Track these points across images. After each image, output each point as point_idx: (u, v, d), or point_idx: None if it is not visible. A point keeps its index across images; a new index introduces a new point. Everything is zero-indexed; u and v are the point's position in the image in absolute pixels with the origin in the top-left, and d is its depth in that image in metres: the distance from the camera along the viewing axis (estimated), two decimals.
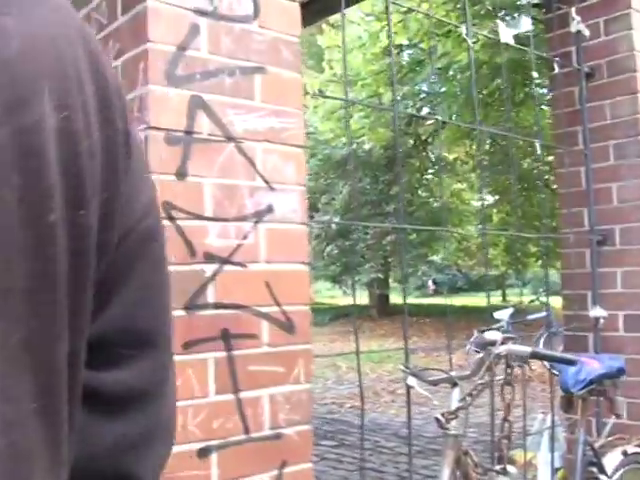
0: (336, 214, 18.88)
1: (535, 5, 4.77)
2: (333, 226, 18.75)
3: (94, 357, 0.55)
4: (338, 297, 32.42)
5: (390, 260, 21.27)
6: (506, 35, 3.44)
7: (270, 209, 2.11)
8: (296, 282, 2.16)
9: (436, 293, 30.62)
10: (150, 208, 0.62)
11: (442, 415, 2.52)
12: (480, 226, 20.08)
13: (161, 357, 0.63)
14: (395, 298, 24.99)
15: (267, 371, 2.08)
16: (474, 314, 18.48)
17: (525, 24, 3.61)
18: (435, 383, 2.77)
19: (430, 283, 30.22)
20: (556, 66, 3.62)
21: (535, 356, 2.58)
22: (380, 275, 21.17)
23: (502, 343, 2.47)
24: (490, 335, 2.57)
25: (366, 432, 7.81)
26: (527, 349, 2.53)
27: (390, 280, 25.06)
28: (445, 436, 2.54)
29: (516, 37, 3.49)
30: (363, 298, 24.61)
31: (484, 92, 14.33)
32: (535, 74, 4.08)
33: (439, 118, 3.81)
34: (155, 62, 1.96)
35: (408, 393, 2.79)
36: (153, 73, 1.95)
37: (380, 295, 23.54)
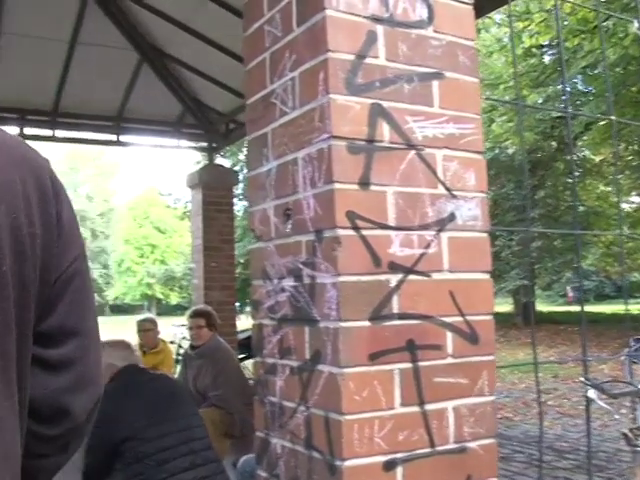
0: None
1: None
2: None
3: (44, 341, 1.05)
4: None
5: (536, 267, 20.75)
6: None
7: (452, 217, 2.06)
8: (479, 291, 2.10)
9: (576, 301, 29.56)
10: (77, 257, 1.11)
11: (630, 431, 2.39)
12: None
13: (82, 341, 1.12)
14: (541, 306, 24.31)
15: (451, 383, 2.03)
16: (624, 322, 17.72)
17: None
18: (616, 396, 2.64)
19: (568, 290, 29.22)
20: None
21: None
22: (526, 282, 20.67)
23: None
24: None
25: (519, 444, 7.60)
26: None
27: (536, 287, 24.42)
28: (634, 453, 2.40)
29: None
30: (507, 306, 24.04)
31: (633, 89, 13.75)
32: None
33: (612, 118, 3.61)
34: (335, 71, 1.95)
35: (587, 407, 2.67)
36: (334, 82, 1.94)
37: (526, 303, 22.97)
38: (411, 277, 1.97)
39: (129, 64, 8.47)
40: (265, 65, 2.27)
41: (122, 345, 3.57)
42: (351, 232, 1.90)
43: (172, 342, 11.94)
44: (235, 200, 11.71)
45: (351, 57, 1.98)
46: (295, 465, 2.07)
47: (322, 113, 1.96)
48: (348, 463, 1.85)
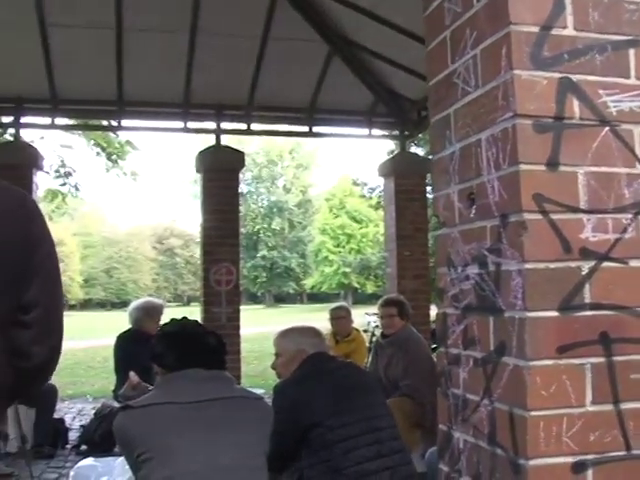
0: None
1: None
2: None
3: (22, 310, 1.66)
4: None
5: None
6: None
7: None
8: None
9: None
10: (44, 255, 1.72)
11: None
12: None
13: (42, 311, 1.69)
14: None
15: None
16: None
17: None
18: None
19: None
20: None
21: None
22: None
23: None
24: None
25: None
26: None
27: None
28: None
29: None
30: None
31: None
32: None
33: None
34: (519, 45, 1.83)
35: None
36: (517, 57, 1.82)
37: None
38: (605, 264, 1.82)
39: (319, 56, 8.59)
40: (446, 44, 2.18)
41: (312, 332, 3.60)
42: (538, 216, 1.78)
43: (365, 331, 12.04)
44: (428, 188, 11.63)
45: (536, 29, 1.85)
46: (477, 461, 1.98)
47: (505, 90, 1.84)
48: (533, 462, 1.74)
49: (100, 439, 6.77)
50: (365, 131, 10.06)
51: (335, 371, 3.42)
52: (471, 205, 2.03)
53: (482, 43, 1.97)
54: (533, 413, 1.74)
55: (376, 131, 10.21)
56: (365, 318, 15.54)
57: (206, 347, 2.79)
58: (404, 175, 9.57)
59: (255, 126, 9.68)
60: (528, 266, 1.77)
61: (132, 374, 3.85)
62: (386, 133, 10.59)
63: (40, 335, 1.72)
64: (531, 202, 1.78)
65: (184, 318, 3.03)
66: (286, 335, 3.58)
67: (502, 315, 1.86)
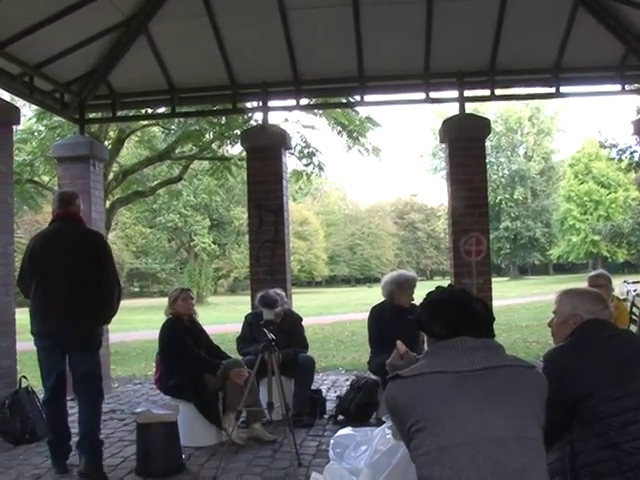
0: None
1: None
2: None
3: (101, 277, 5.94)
4: None
5: None
6: None
7: None
8: None
9: None
10: (100, 256, 5.75)
11: None
12: None
13: (104, 277, 5.77)
14: None
15: None
16: None
17: None
18: None
19: None
20: None
21: None
22: None
23: None
24: None
25: None
26: None
27: None
28: None
29: None
30: None
31: None
32: None
33: None
34: None
35: None
36: None
37: None
38: None
39: (563, 10, 8.14)
40: None
41: (592, 298, 3.38)
42: None
43: (625, 300, 11.42)
44: None
45: None
46: None
47: None
48: None
49: (355, 410, 6.94)
50: (617, 87, 9.36)
51: (610, 339, 3.19)
52: None
53: None
54: None
55: (628, 86, 9.49)
56: (623, 287, 14.71)
57: (474, 315, 2.70)
58: None
59: (499, 91, 9.41)
60: None
61: (399, 343, 3.82)
62: None
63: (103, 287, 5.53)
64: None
65: (450, 286, 2.96)
66: (565, 296, 3.43)
67: None
